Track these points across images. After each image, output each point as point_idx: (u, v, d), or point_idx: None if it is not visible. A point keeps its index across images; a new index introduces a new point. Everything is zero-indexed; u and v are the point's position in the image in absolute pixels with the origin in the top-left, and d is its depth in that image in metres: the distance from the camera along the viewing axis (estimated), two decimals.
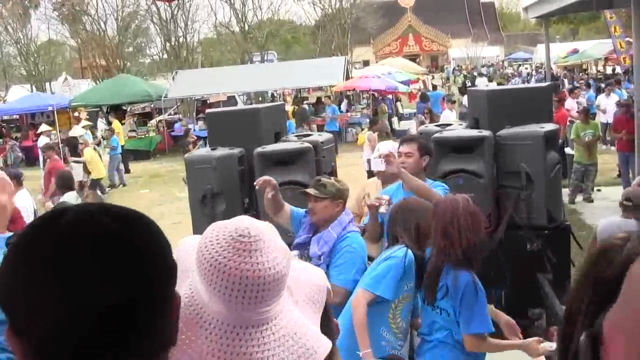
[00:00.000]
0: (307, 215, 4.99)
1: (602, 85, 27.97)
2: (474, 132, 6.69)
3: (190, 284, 1.57)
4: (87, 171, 17.85)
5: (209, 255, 1.52)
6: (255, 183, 5.13)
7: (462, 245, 4.03)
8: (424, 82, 43.73)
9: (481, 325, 4.08)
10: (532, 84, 28.15)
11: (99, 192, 16.02)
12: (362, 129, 23.52)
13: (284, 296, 1.59)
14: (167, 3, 42.11)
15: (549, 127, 6.52)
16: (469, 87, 38.38)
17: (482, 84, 37.08)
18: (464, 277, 4.02)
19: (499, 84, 37.49)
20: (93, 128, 23.55)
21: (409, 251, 4.29)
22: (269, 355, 1.51)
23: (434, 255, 4.20)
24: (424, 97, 30.70)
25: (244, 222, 1.57)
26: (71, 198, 11.72)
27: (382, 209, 4.98)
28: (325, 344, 1.59)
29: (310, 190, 4.89)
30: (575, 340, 1.25)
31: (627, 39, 27.34)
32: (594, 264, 1.28)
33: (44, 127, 22.86)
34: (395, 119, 29.27)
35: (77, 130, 22.28)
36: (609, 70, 42.40)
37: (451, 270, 4.08)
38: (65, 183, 12.42)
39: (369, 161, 5.46)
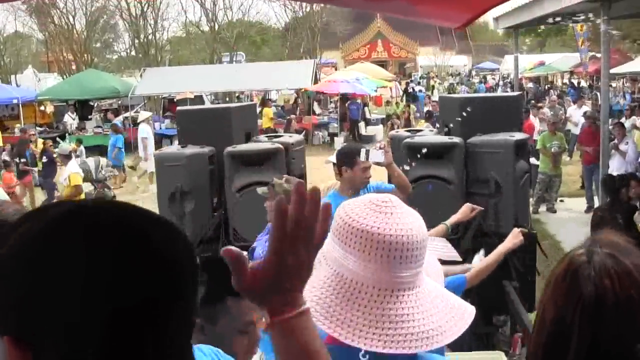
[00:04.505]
0: None
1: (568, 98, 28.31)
2: (445, 139, 6.72)
3: (328, 266, 1.67)
4: None
5: (359, 224, 1.63)
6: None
7: None
8: (390, 88, 43.85)
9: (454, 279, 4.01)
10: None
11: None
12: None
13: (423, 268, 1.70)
14: (138, 1, 41.75)
15: (519, 136, 6.59)
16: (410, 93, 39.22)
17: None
18: None
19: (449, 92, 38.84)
20: (58, 123, 23.07)
21: None
22: (422, 310, 1.61)
23: None
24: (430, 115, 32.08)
25: (380, 196, 1.72)
26: None
27: None
28: (471, 305, 1.70)
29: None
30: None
31: (591, 53, 27.75)
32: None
33: (143, 115, 21.11)
34: (362, 124, 29.29)
35: (143, 115, 21.41)
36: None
37: None
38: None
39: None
